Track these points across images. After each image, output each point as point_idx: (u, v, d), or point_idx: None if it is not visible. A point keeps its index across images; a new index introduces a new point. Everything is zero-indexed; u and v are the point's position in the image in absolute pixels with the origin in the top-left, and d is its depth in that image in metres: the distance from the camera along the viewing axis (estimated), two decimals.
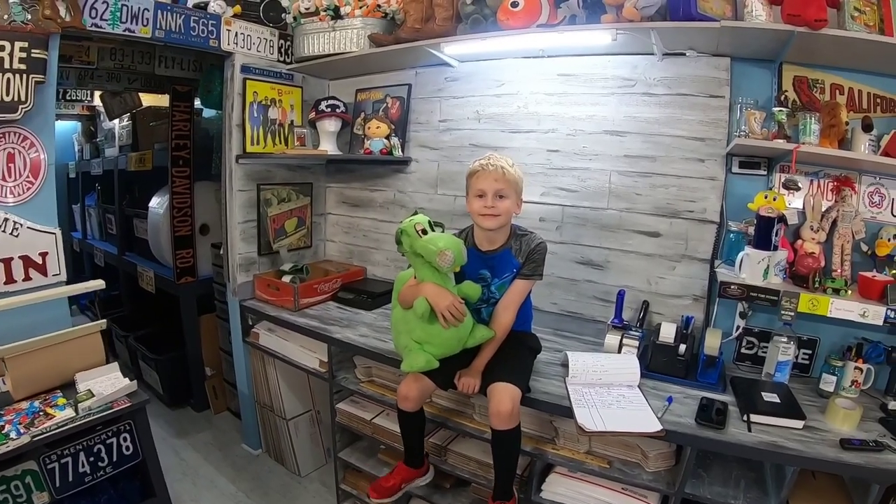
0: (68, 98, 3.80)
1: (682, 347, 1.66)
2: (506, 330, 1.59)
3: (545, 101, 2.07)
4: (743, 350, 1.82)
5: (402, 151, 2.39)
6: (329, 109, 2.41)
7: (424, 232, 1.49)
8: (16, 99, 1.56)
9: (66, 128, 4.58)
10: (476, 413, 1.72)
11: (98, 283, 1.75)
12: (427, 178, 2.42)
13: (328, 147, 2.46)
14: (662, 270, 1.91)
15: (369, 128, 2.37)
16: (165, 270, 3.02)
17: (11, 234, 1.62)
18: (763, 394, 1.52)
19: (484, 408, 1.67)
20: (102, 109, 3.58)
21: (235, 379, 2.64)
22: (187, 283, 2.92)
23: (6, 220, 1.61)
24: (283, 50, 2.43)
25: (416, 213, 1.58)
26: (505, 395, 1.41)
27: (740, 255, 1.55)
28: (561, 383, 1.62)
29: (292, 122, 2.47)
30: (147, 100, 3.47)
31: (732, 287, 1.54)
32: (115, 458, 1.58)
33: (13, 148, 1.62)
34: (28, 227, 1.66)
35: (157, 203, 3.02)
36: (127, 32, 1.84)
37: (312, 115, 2.45)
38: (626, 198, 1.94)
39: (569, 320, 2.08)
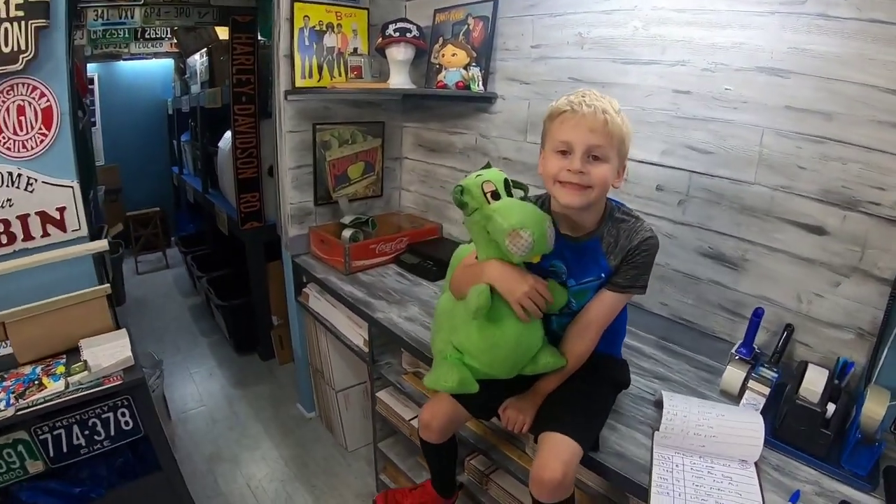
0: (147, 37, 3.74)
1: (831, 409, 1.06)
2: (581, 360, 1.12)
3: (673, 19, 1.42)
4: None
5: (485, 85, 1.89)
6: (398, 34, 1.96)
7: (496, 196, 1.03)
8: (15, 49, 1.37)
9: (164, 65, 4.61)
10: (530, 447, 1.28)
11: (102, 244, 1.58)
12: (515, 120, 1.90)
13: (399, 80, 2.02)
14: (821, 285, 1.26)
15: (444, 55, 1.90)
16: (235, 213, 2.87)
17: (26, 189, 1.48)
18: None
19: None
20: None
21: None
22: (253, 229, 2.75)
23: (20, 175, 1.46)
24: None
25: (488, 166, 1.11)
26: (554, 455, 0.96)
27: None
28: (646, 438, 1.11)
29: (355, 49, 2.07)
30: (223, 33, 3.26)
31: None
32: (112, 433, 1.43)
33: (22, 100, 1.44)
34: (43, 182, 1.50)
35: (224, 143, 2.84)
36: None
37: (379, 40, 2.02)
38: (784, 170, 1.28)
39: (681, 330, 1.52)
